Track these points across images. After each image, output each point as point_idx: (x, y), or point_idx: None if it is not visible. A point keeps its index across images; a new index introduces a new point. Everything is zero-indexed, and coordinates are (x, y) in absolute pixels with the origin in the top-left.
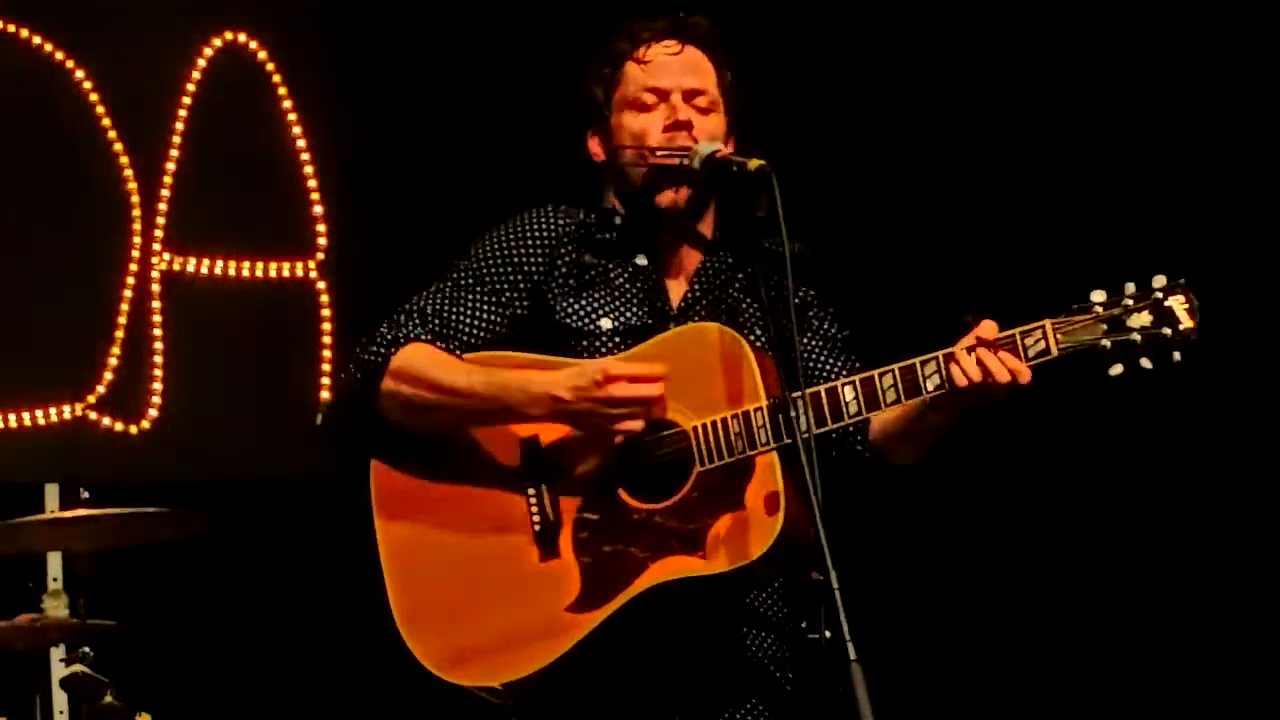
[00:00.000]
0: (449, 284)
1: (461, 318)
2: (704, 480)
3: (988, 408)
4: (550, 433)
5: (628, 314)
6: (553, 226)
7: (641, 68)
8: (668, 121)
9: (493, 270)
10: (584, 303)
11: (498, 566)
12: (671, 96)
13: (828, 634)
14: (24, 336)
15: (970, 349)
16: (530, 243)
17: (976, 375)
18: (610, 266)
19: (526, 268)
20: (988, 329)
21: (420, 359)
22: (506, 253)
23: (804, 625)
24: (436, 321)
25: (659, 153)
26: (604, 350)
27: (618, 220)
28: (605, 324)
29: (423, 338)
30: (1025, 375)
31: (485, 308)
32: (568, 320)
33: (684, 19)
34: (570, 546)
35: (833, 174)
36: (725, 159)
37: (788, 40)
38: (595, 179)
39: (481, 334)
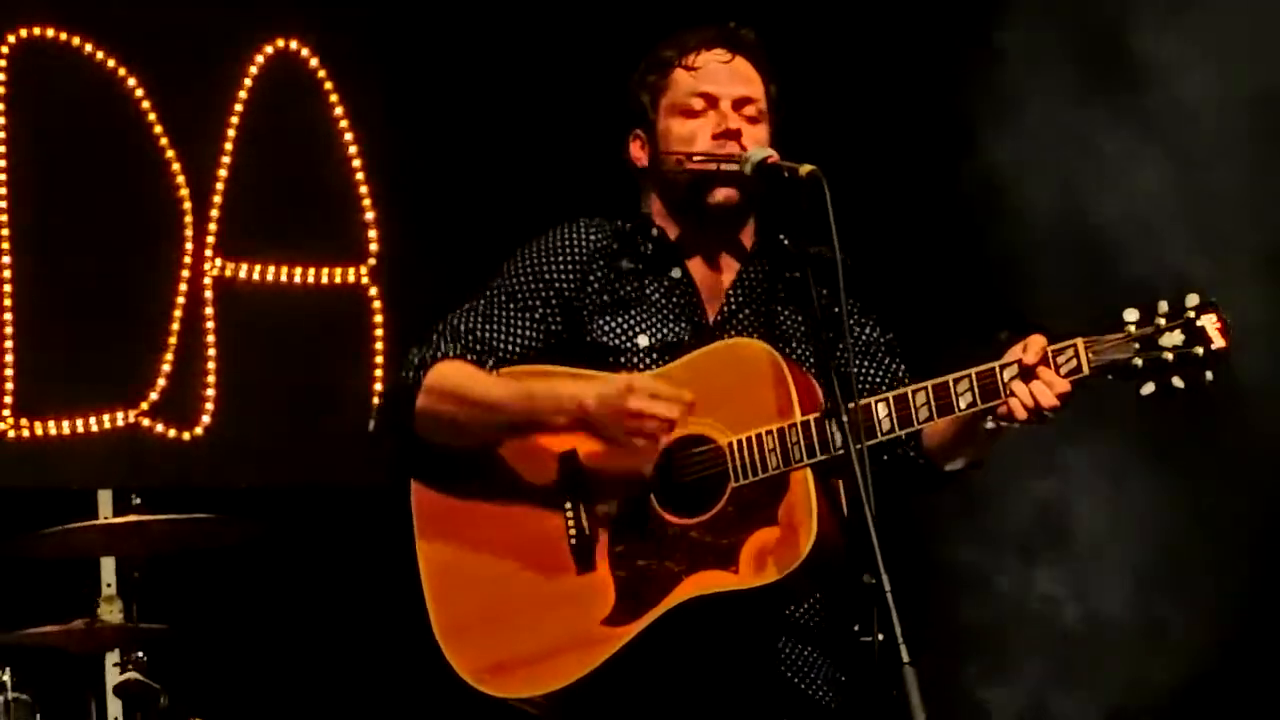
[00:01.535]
0: (482, 302)
1: (496, 334)
2: (738, 496)
3: None
4: (586, 448)
5: (664, 330)
6: (584, 242)
7: (691, 74)
8: (717, 129)
9: (525, 287)
10: (620, 320)
11: (535, 580)
12: (721, 104)
13: (880, 637)
14: (77, 343)
15: (1020, 375)
16: (562, 260)
17: (1044, 402)
18: (646, 281)
19: (558, 284)
20: (1036, 346)
21: (452, 375)
22: (538, 270)
23: (856, 629)
24: (470, 338)
25: (702, 158)
26: (641, 367)
27: (654, 231)
28: (642, 341)
29: (454, 354)
30: (1050, 400)
31: (519, 324)
32: (604, 339)
33: (734, 29)
34: (606, 560)
35: (865, 181)
36: (776, 165)
37: (816, 49)
38: (636, 184)
39: (516, 350)
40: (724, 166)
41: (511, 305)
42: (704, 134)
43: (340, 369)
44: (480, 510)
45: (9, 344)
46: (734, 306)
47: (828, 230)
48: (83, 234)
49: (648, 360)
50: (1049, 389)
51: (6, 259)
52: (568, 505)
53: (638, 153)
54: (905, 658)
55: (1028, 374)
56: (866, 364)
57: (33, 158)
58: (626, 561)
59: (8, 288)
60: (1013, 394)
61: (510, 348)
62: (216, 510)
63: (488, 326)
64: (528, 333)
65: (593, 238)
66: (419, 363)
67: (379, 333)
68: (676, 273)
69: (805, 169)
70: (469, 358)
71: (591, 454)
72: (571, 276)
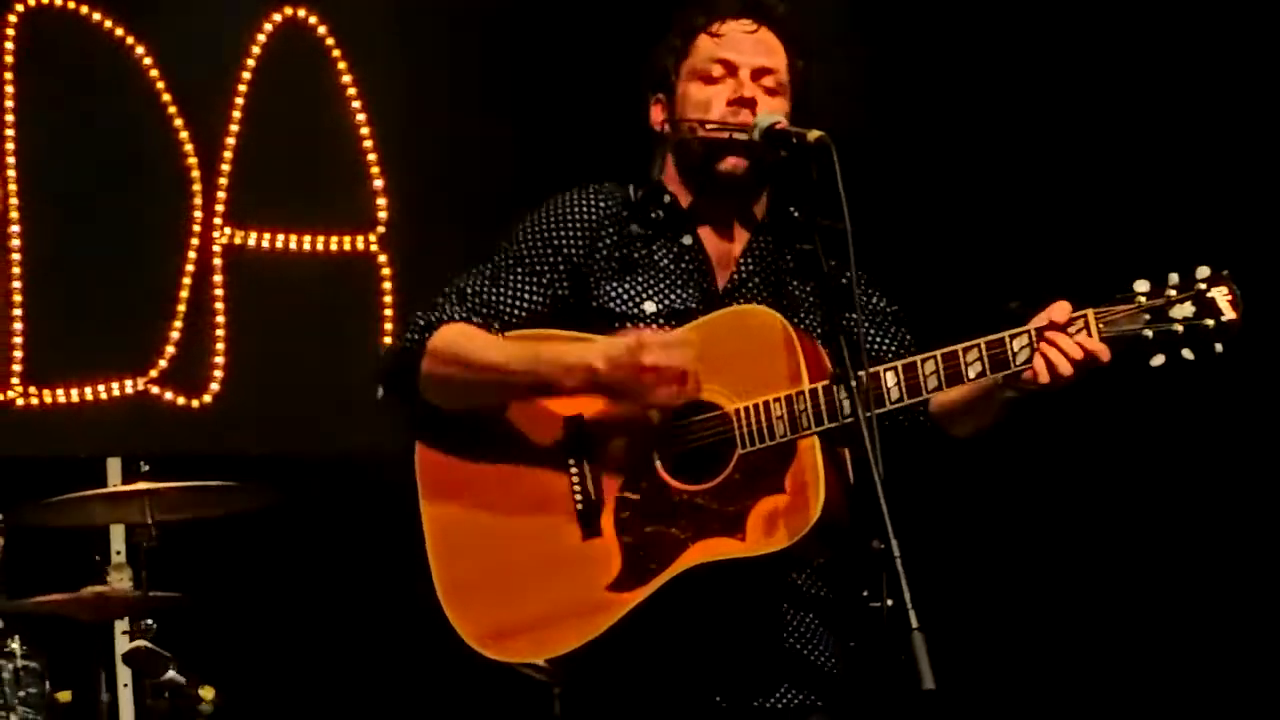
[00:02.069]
0: (489, 266)
1: (502, 298)
2: (745, 463)
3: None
4: (593, 413)
5: (672, 296)
6: (594, 208)
7: (714, 40)
8: (732, 96)
9: (533, 252)
10: (627, 286)
11: (540, 544)
12: (740, 72)
13: (889, 602)
14: (86, 311)
15: (1043, 336)
16: (570, 225)
17: (1076, 362)
18: (655, 247)
19: (566, 249)
20: (1063, 307)
21: (456, 338)
22: (547, 234)
23: (865, 594)
24: (476, 301)
25: (714, 126)
26: None
27: (667, 198)
28: (649, 307)
29: (459, 317)
30: (1066, 370)
31: (526, 289)
32: (610, 304)
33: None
34: (612, 526)
35: (879, 155)
36: (784, 130)
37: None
38: (649, 150)
39: (523, 314)
40: (735, 135)
41: (519, 269)
42: (720, 101)
43: (349, 337)
44: (485, 474)
45: (18, 312)
46: (744, 275)
47: (836, 196)
48: (92, 203)
49: (654, 327)
50: (1079, 348)
51: (16, 228)
52: (573, 469)
53: (658, 116)
54: (914, 623)
55: (1055, 336)
56: (874, 333)
57: (42, 127)
58: (632, 527)
59: (17, 256)
60: (1044, 357)
61: (516, 312)
62: (225, 477)
63: (494, 290)
64: (534, 297)
65: (603, 203)
66: (424, 325)
67: (388, 300)
68: (687, 239)
69: (814, 134)
70: (474, 320)
71: (598, 418)
72: (581, 242)
